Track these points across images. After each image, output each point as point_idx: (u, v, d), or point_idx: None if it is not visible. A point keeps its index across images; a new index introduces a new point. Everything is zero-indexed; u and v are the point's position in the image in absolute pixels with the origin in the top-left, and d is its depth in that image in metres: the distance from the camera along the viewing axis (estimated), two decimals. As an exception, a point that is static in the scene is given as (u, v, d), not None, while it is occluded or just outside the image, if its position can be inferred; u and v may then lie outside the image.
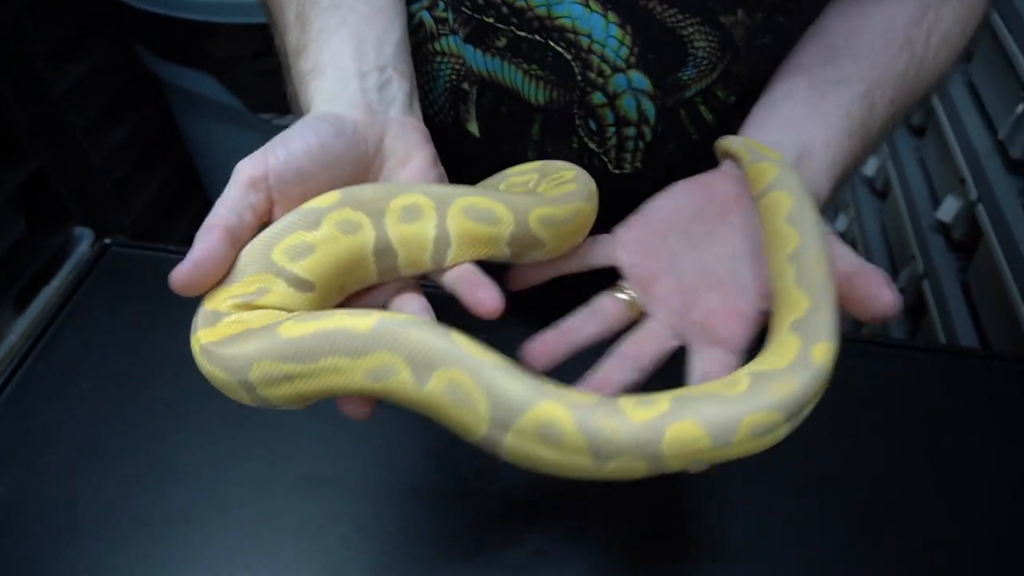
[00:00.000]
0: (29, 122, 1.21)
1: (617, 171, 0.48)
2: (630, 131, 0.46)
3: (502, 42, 0.44)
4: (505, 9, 0.43)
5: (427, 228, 0.32)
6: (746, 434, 0.27)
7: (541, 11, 0.42)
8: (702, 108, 0.46)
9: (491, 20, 0.43)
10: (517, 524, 0.47)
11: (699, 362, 0.34)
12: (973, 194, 1.01)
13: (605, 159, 0.48)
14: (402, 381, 0.27)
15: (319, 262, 0.31)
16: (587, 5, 0.42)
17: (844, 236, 1.56)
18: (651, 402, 0.27)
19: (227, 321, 0.30)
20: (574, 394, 0.27)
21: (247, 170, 0.31)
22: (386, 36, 0.38)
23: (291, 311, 0.31)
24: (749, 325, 0.34)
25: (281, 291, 0.30)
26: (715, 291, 0.35)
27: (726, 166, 0.39)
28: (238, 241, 0.30)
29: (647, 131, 0.46)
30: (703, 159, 0.44)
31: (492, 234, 0.33)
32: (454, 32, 0.46)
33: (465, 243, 0.33)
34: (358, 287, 0.33)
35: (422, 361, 0.26)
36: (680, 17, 0.41)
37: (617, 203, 0.40)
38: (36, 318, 0.61)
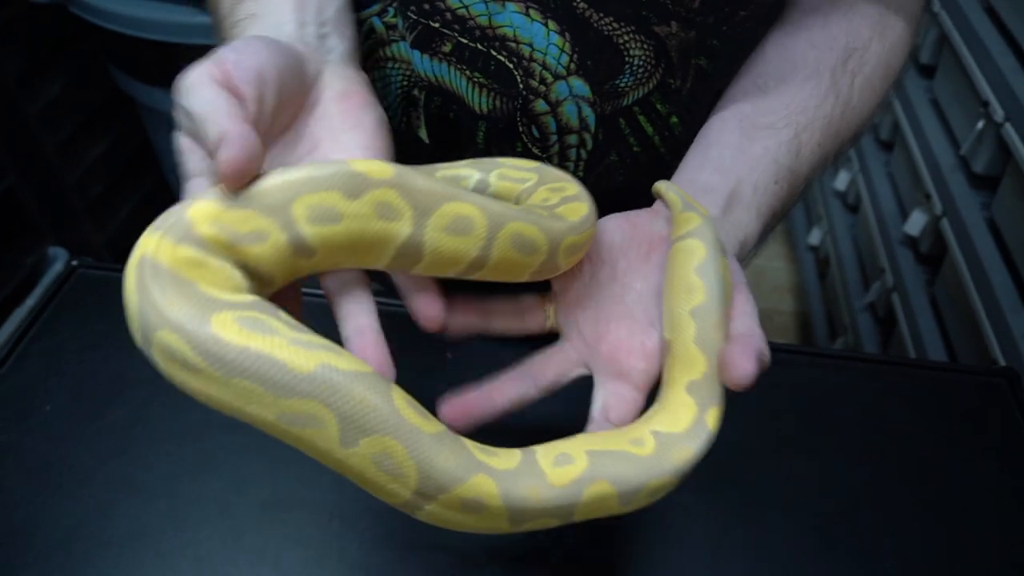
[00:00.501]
0: (1, 142, 1.20)
1: None
2: (572, 139, 0.47)
3: (447, 47, 0.45)
4: (449, 15, 0.43)
5: (471, 248, 0.30)
6: (646, 495, 0.29)
7: (483, 20, 0.43)
8: (641, 118, 0.47)
9: (437, 25, 0.44)
10: (482, 549, 0.47)
11: (602, 393, 0.35)
12: (938, 208, 1.03)
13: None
14: (324, 436, 0.24)
15: (337, 235, 0.27)
16: (527, 14, 0.42)
17: (817, 250, 1.58)
18: (569, 460, 0.28)
19: (186, 252, 0.25)
20: (500, 457, 0.28)
21: (204, 72, 0.28)
22: (327, 1, 0.38)
23: (263, 274, 0.27)
24: (653, 362, 0.35)
25: (275, 248, 0.27)
26: (625, 325, 0.36)
27: (658, 206, 0.40)
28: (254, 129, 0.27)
29: (588, 138, 0.47)
30: (645, 179, 0.46)
31: (526, 263, 0.32)
32: (403, 38, 0.46)
33: (499, 270, 0.32)
34: (348, 266, 0.30)
35: (355, 423, 0.24)
36: (616, 26, 0.43)
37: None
38: (4, 339, 0.61)
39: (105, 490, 0.49)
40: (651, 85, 0.45)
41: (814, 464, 0.53)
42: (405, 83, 0.48)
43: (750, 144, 0.41)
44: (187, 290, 0.24)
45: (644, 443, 0.30)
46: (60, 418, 0.54)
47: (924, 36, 1.19)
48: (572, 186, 0.37)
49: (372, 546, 0.47)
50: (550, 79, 0.44)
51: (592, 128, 0.47)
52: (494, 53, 0.44)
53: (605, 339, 0.36)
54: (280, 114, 0.31)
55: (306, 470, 0.51)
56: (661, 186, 0.40)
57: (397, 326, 0.61)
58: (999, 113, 0.90)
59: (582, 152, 0.48)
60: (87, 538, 0.47)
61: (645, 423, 0.32)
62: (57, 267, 1.41)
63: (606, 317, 0.36)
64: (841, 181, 1.45)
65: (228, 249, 0.26)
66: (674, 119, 0.48)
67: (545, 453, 0.29)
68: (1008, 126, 0.88)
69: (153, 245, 0.25)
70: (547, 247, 0.32)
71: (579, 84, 0.45)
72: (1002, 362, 0.82)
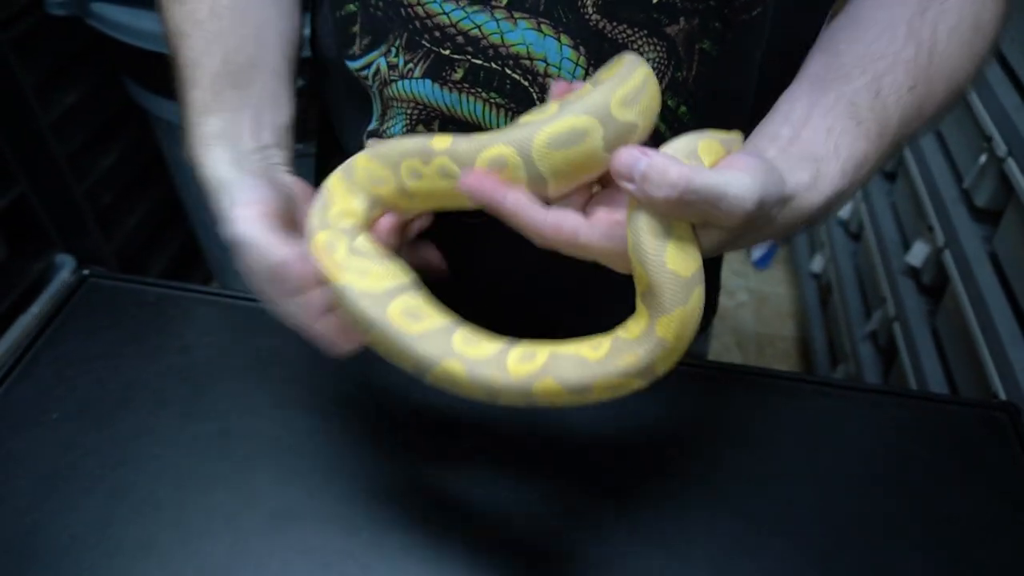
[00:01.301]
0: (13, 150, 1.21)
1: None
2: None
3: (459, 74, 0.45)
4: (461, 39, 0.44)
5: (518, 174, 0.34)
6: (597, 392, 0.35)
7: (495, 39, 0.43)
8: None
9: (447, 52, 0.45)
10: (489, 557, 0.48)
11: None
12: (940, 240, 1.04)
13: None
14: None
15: (422, 188, 0.38)
16: (540, 30, 0.43)
17: (819, 277, 1.59)
18: (532, 357, 0.35)
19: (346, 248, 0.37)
20: (479, 347, 0.35)
21: (251, 213, 0.38)
22: (278, 119, 0.46)
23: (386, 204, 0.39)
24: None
25: (392, 192, 0.39)
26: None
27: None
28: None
29: None
30: None
31: (583, 153, 0.34)
32: (404, 76, 0.47)
33: (562, 176, 0.34)
34: (437, 208, 0.40)
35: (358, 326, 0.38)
36: (629, 32, 0.43)
37: None
38: (12, 345, 0.61)
39: (111, 499, 0.50)
40: (663, 85, 0.45)
41: (815, 492, 0.53)
42: (408, 122, 0.49)
43: (822, 96, 0.39)
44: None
45: (600, 347, 0.35)
46: (68, 426, 0.54)
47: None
48: (616, 59, 0.38)
49: (379, 557, 0.47)
50: None
51: None
52: (508, 71, 0.45)
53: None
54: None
55: (314, 481, 0.51)
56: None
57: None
58: (1002, 148, 0.91)
59: None
60: (92, 548, 0.47)
61: (611, 332, 0.36)
62: (64, 274, 1.42)
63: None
64: (844, 209, 1.46)
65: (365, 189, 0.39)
66: (682, 109, 0.47)
67: (518, 350, 0.35)
68: (1010, 161, 0.89)
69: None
70: (597, 121, 0.33)
71: None
72: (1002, 395, 0.82)
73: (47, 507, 0.49)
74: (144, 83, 1.17)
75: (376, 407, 0.57)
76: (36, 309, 1.43)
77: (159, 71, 1.12)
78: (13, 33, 1.12)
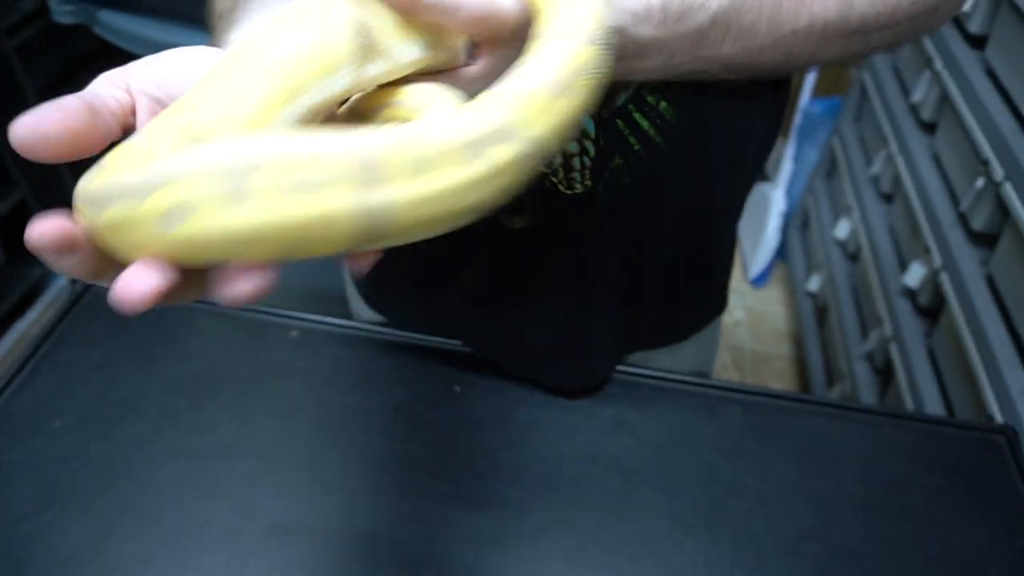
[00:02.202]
0: (14, 155, 1.21)
1: (569, 191, 0.50)
2: (573, 147, 0.48)
3: None
4: None
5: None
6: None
7: None
8: (637, 116, 0.48)
9: None
10: (490, 570, 0.48)
11: None
12: (937, 262, 1.05)
13: (555, 179, 0.50)
14: None
15: None
16: None
17: (816, 297, 1.59)
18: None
19: None
20: None
21: (107, 74, 0.28)
22: None
23: None
24: None
25: None
26: None
27: None
28: (91, 108, 0.25)
29: (589, 146, 0.48)
30: (649, 175, 0.46)
31: None
32: None
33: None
34: None
35: None
36: None
37: (576, 224, 0.39)
38: (12, 353, 0.61)
39: (110, 511, 0.49)
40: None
41: (813, 512, 0.54)
42: None
43: None
44: None
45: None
46: (68, 437, 0.54)
47: (926, 94, 1.22)
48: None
49: (378, 571, 0.47)
50: None
51: (592, 134, 0.47)
52: None
53: None
54: None
55: (314, 496, 0.51)
56: None
57: (408, 359, 0.62)
58: (999, 172, 0.92)
59: (585, 160, 0.49)
60: (90, 561, 0.47)
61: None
62: (60, 280, 1.42)
63: None
64: (842, 230, 1.47)
65: None
66: (663, 104, 0.48)
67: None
68: (1007, 185, 0.90)
69: None
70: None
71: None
72: (998, 417, 0.83)
73: (47, 518, 0.49)
74: (148, 92, 1.17)
75: (378, 421, 0.57)
76: (33, 315, 1.43)
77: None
78: (19, 40, 1.12)
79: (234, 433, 0.55)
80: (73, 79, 1.27)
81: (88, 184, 0.23)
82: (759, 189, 1.85)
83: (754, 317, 1.80)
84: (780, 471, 0.57)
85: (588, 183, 0.50)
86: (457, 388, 0.59)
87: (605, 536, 0.51)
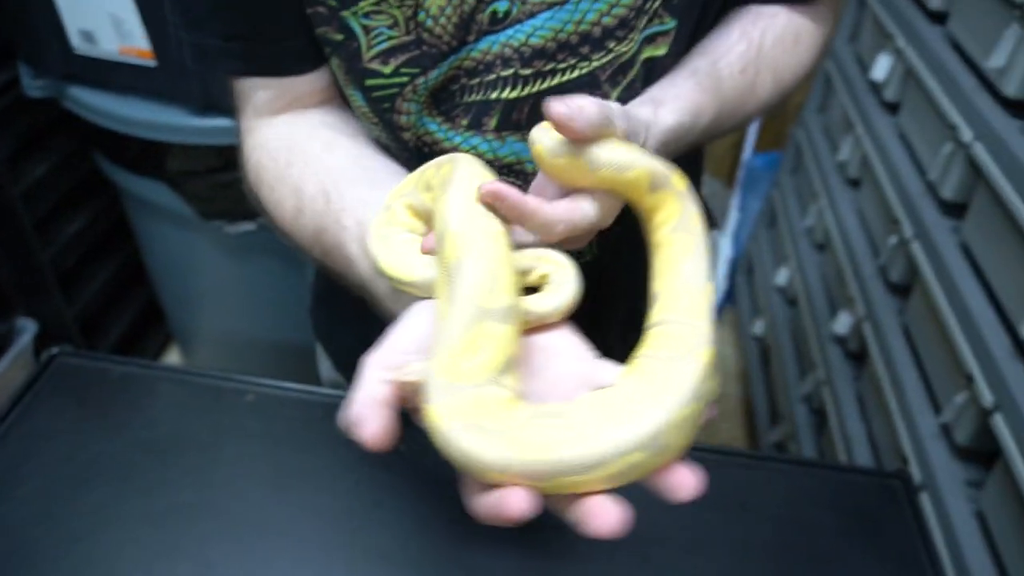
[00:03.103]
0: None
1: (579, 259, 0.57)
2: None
3: None
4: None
5: None
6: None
7: (489, 156, 0.51)
8: None
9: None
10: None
11: None
12: (862, 311, 1.12)
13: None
14: None
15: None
16: (524, 140, 0.50)
17: (762, 340, 1.67)
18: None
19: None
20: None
21: (374, 359, 0.34)
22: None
23: None
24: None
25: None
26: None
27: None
28: (384, 402, 0.32)
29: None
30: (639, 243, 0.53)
31: None
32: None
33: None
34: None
35: None
36: None
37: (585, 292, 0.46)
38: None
39: (73, 573, 0.53)
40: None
41: (735, 557, 0.59)
42: None
43: (673, 76, 0.49)
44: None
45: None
46: (33, 503, 0.57)
47: (851, 154, 1.32)
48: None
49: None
50: None
51: None
52: (502, 176, 0.52)
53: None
54: None
55: (268, 552, 0.55)
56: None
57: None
58: (908, 230, 1.00)
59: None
60: (55, 620, 0.50)
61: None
62: (25, 338, 1.43)
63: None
64: (782, 277, 1.55)
65: None
66: None
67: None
68: (915, 244, 0.98)
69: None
70: None
71: None
72: (913, 460, 0.90)
73: (13, 581, 0.52)
74: (113, 158, 1.22)
75: (327, 481, 0.61)
76: (-5, 371, 1.44)
77: (131, 151, 1.17)
78: (-12, 110, 1.16)
79: (193, 495, 0.59)
80: (39, 145, 1.31)
81: (509, 454, 0.30)
82: (710, 236, 1.93)
83: (706, 360, 1.87)
84: (702, 518, 0.62)
85: (596, 252, 0.57)
86: (402, 448, 0.64)
87: (536, 583, 0.55)
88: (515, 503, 0.28)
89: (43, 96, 1.13)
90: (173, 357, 1.71)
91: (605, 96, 0.50)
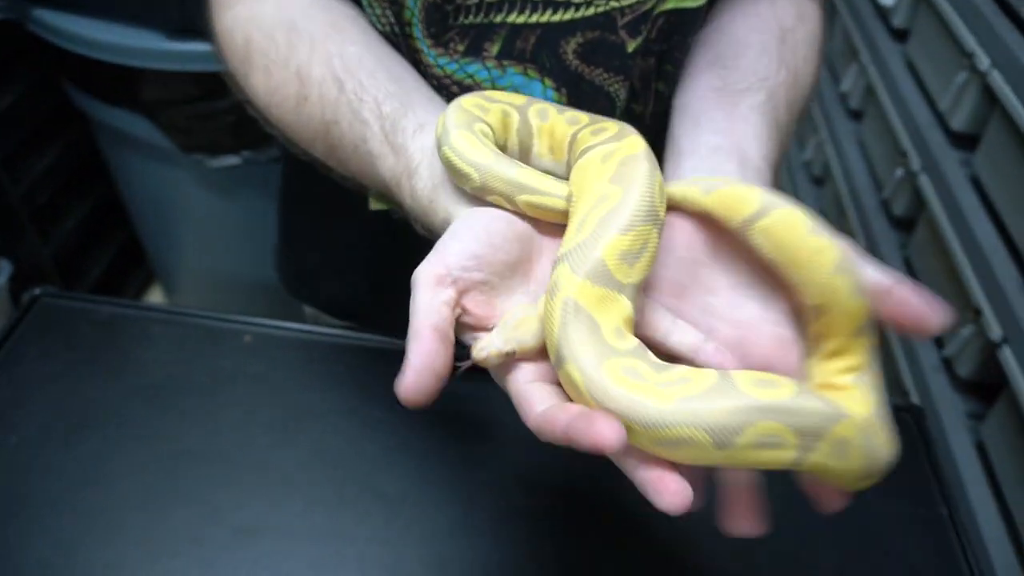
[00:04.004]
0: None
1: None
2: None
3: None
4: (455, 88, 0.48)
5: None
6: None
7: (486, 85, 0.48)
8: None
9: (444, 97, 0.47)
10: (459, 567, 0.51)
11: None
12: (916, 164, 1.02)
13: None
14: (699, 445, 0.30)
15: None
16: (526, 74, 0.47)
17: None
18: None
19: (597, 291, 0.32)
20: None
21: (427, 272, 0.33)
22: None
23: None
24: (797, 348, 0.36)
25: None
26: (757, 332, 0.36)
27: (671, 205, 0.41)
28: (445, 336, 0.32)
29: None
30: None
31: None
32: None
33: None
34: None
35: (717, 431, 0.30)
36: (605, 75, 0.48)
37: None
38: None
39: (75, 523, 0.51)
40: (617, 114, 0.50)
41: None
42: None
43: (734, 107, 0.44)
44: (593, 335, 0.31)
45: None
46: (27, 451, 0.55)
47: (854, 84, 1.28)
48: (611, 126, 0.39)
49: (343, 568, 0.50)
50: None
51: None
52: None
53: (750, 354, 0.36)
54: (513, 272, 0.36)
55: (276, 496, 0.54)
56: (690, 190, 0.38)
57: (362, 361, 0.64)
58: (916, 162, 0.98)
59: None
60: (60, 571, 0.48)
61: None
62: (1, 279, 1.38)
63: (735, 338, 0.36)
64: (807, 153, 1.53)
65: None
66: None
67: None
68: (923, 176, 0.96)
69: (575, 288, 0.32)
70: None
71: None
72: (914, 395, 0.90)
73: (11, 531, 0.50)
74: (83, 87, 1.15)
75: (334, 423, 0.59)
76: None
77: (103, 78, 1.10)
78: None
79: (194, 440, 0.57)
80: (4, 74, 1.23)
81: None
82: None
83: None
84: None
85: None
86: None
87: (539, 534, 0.54)
88: (606, 431, 0.28)
89: (5, 18, 1.05)
90: (155, 297, 1.67)
91: (621, 44, 0.47)
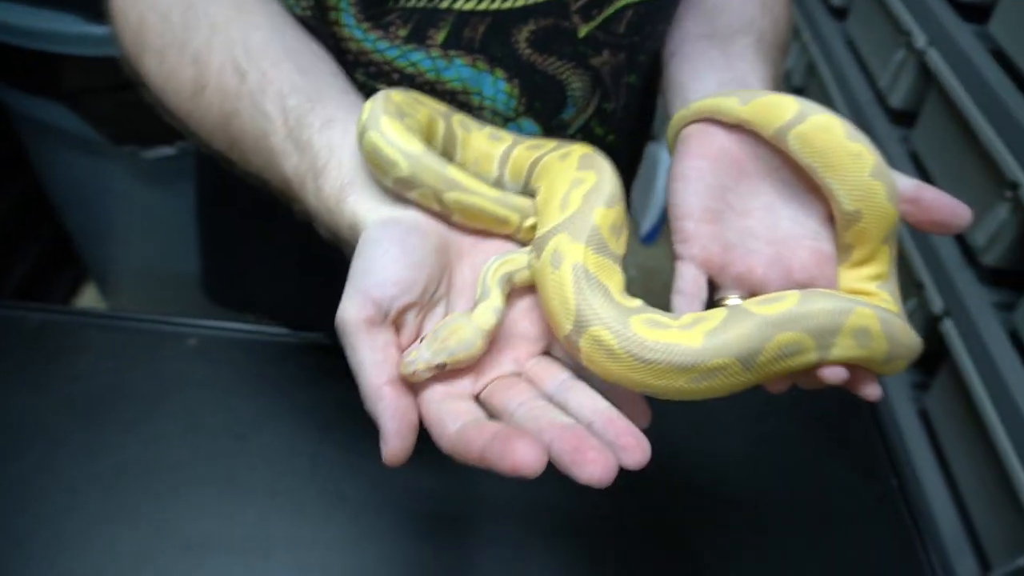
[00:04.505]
0: None
1: None
2: None
3: None
4: (396, 76, 0.45)
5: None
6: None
7: (431, 76, 0.45)
8: None
9: (383, 87, 0.45)
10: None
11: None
12: None
13: None
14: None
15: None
16: (474, 66, 0.45)
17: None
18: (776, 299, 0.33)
19: (599, 259, 0.33)
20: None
21: (356, 317, 0.31)
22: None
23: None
24: (835, 261, 0.37)
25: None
26: (794, 248, 0.36)
27: (694, 131, 0.39)
28: (405, 384, 0.31)
29: None
30: None
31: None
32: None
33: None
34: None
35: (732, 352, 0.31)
36: (558, 64, 0.46)
37: None
38: None
39: (14, 548, 0.48)
40: (590, 112, 0.49)
41: (710, 475, 0.59)
42: None
43: (729, 47, 0.45)
44: (608, 297, 0.32)
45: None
46: (-46, 471, 0.51)
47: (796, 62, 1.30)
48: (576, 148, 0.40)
49: (299, 585, 0.48)
50: (500, 123, 0.47)
51: None
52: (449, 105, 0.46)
53: (792, 271, 0.36)
54: (437, 285, 0.35)
55: (229, 507, 0.51)
56: (692, 108, 0.39)
57: (311, 361, 0.61)
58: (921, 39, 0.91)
59: None
60: (-4, 599, 0.45)
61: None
62: (-85, 283, 1.30)
63: (774, 256, 0.36)
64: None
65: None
66: (611, 138, 0.51)
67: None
68: (932, 50, 0.90)
69: (581, 254, 0.32)
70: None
71: (528, 124, 0.48)
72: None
73: (-60, 562, 0.47)
74: (4, 78, 1.07)
75: (286, 426, 0.57)
76: None
77: (20, 66, 1.03)
78: None
79: (137, 453, 0.54)
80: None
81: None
82: (648, 149, 1.91)
83: (646, 274, 1.88)
84: (678, 434, 0.62)
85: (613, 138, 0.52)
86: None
87: (492, 507, 0.54)
88: (526, 452, 0.27)
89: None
90: (89, 298, 1.59)
91: (573, 29, 0.45)
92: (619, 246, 0.34)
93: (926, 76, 0.92)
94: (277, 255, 0.62)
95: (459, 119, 0.41)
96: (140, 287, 1.34)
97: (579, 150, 0.38)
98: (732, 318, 0.31)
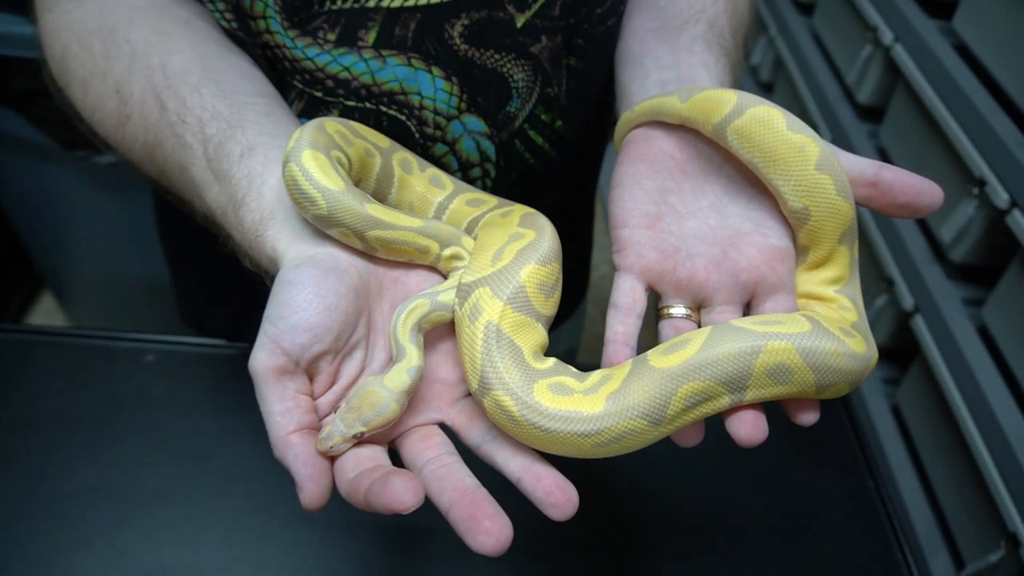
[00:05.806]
0: None
1: None
2: (475, 171, 0.48)
3: (335, 115, 0.45)
4: (330, 82, 0.43)
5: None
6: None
7: (366, 79, 0.43)
8: (531, 133, 0.49)
9: (319, 94, 0.44)
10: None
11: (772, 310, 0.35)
12: (827, 137, 1.08)
13: None
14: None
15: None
16: (410, 64, 0.43)
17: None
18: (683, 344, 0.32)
19: (518, 318, 0.33)
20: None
21: (266, 365, 0.30)
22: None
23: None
24: (790, 257, 0.35)
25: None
26: (742, 246, 0.35)
27: (635, 136, 0.38)
28: (315, 431, 0.31)
29: (491, 168, 0.49)
30: (539, 184, 0.49)
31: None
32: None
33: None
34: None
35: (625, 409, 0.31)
36: (498, 57, 0.45)
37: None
38: None
39: (-43, 582, 0.45)
40: (534, 100, 0.48)
41: (682, 486, 0.58)
42: None
43: (676, 40, 0.42)
44: (517, 360, 0.31)
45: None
46: None
47: (763, 58, 1.30)
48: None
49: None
50: (443, 122, 0.46)
51: (493, 158, 0.48)
52: (384, 109, 0.44)
53: (739, 270, 0.34)
54: (354, 328, 0.33)
55: (191, 531, 0.49)
56: (634, 112, 0.38)
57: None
58: (887, 36, 0.90)
59: (487, 182, 0.49)
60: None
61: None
62: None
63: (718, 256, 0.35)
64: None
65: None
66: (559, 123, 0.50)
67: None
68: (898, 47, 0.89)
69: (498, 312, 0.32)
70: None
71: (473, 121, 0.46)
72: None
73: None
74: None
75: (248, 443, 0.55)
76: None
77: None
78: None
79: (92, 476, 0.51)
80: None
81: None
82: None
83: (602, 291, 1.88)
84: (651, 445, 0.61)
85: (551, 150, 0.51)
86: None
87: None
88: (401, 491, 0.28)
89: None
90: (46, 306, 1.54)
91: (510, 20, 0.44)
92: (546, 306, 0.34)
93: (893, 72, 0.92)
94: (233, 277, 0.60)
95: (400, 157, 0.39)
96: (99, 296, 1.29)
97: (521, 209, 0.38)
98: (634, 375, 0.30)
